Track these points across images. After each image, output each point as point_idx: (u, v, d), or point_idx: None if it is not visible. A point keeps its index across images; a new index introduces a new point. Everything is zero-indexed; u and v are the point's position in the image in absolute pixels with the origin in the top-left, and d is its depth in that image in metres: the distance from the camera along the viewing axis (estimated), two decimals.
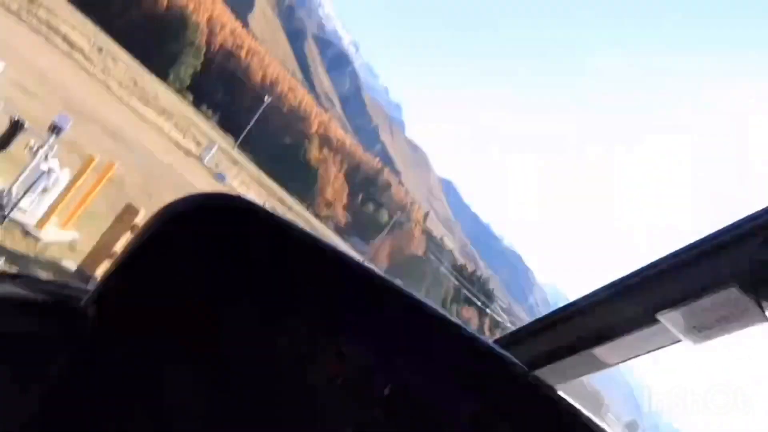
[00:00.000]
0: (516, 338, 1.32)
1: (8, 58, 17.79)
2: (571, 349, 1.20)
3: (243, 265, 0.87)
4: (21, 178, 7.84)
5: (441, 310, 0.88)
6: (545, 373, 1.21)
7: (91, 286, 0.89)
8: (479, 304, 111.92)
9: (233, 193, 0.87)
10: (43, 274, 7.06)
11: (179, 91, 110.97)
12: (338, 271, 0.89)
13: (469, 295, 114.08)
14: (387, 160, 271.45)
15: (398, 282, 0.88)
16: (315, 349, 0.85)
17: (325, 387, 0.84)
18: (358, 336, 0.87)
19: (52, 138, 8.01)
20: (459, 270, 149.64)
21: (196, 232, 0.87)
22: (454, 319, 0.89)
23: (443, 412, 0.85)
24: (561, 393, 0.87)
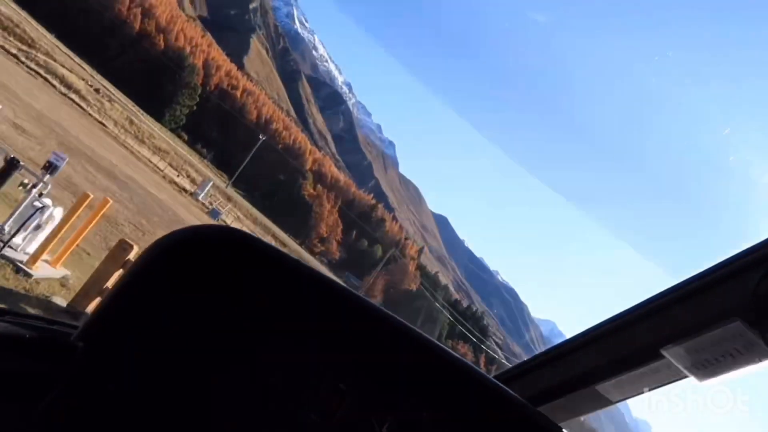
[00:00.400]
0: (518, 373, 1.29)
1: (6, 100, 18.09)
2: (574, 385, 1.17)
3: (237, 298, 0.85)
4: (14, 216, 7.92)
5: (442, 345, 0.87)
6: (548, 410, 1.18)
7: (79, 322, 0.89)
8: (474, 339, 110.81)
9: (225, 225, 0.86)
10: (33, 311, 7.09)
11: (175, 130, 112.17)
12: (338, 304, 0.87)
13: (464, 330, 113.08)
14: (381, 196, 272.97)
15: (398, 316, 0.87)
16: (313, 383, 0.83)
17: (321, 423, 0.82)
18: (357, 371, 0.85)
19: (47, 176, 8.13)
20: (453, 305, 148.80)
21: (188, 265, 0.85)
22: (455, 354, 0.87)
23: None
24: (565, 431, 0.86)
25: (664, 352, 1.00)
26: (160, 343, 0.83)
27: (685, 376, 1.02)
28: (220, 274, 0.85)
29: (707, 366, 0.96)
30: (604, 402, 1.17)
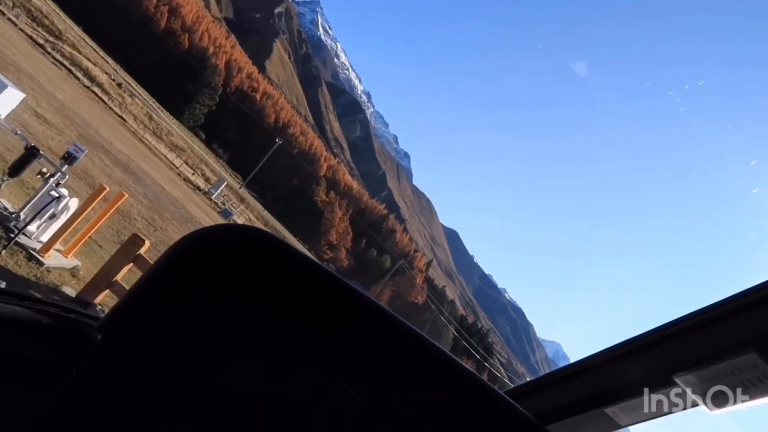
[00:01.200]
0: (527, 391, 1.29)
1: (30, 89, 18.37)
2: (583, 407, 1.17)
3: (257, 299, 0.86)
4: (31, 204, 8.01)
5: (454, 356, 0.87)
6: (555, 429, 1.19)
7: (91, 311, 0.90)
8: (478, 356, 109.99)
9: (251, 225, 0.89)
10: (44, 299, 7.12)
11: (193, 128, 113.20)
12: (356, 310, 0.87)
13: (468, 346, 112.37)
14: (393, 207, 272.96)
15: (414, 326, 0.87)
16: (322, 388, 0.84)
17: (329, 428, 0.82)
18: (367, 378, 0.85)
19: (65, 166, 8.21)
20: (459, 320, 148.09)
21: (210, 264, 0.86)
22: (467, 367, 0.87)
23: None
24: None
25: (676, 379, 0.99)
26: (177, 341, 0.84)
27: (696, 405, 1.01)
28: (243, 274, 0.86)
29: (719, 396, 0.95)
30: (613, 425, 1.16)
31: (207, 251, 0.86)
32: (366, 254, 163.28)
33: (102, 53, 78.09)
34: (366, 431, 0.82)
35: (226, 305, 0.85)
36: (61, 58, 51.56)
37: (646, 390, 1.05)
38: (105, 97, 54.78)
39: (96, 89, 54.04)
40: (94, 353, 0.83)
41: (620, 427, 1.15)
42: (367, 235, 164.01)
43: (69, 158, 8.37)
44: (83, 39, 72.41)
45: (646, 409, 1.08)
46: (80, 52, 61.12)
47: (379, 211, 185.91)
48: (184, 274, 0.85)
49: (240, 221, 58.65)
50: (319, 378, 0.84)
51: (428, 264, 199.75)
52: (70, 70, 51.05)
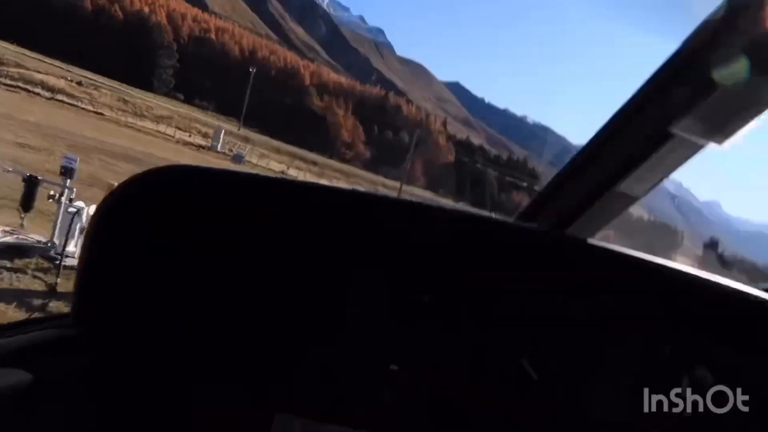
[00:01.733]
0: (538, 204, 1.25)
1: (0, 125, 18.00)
2: (595, 195, 1.13)
3: (206, 235, 0.79)
4: (57, 227, 8.06)
5: (429, 201, 0.90)
6: (578, 227, 1.16)
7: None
8: (525, 185, 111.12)
9: (167, 164, 0.81)
10: None
11: (168, 93, 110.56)
12: (313, 200, 0.82)
13: (513, 180, 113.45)
14: (388, 85, 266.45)
15: (386, 192, 0.92)
16: (333, 292, 0.79)
17: (367, 313, 0.78)
18: (371, 259, 0.81)
19: (68, 181, 8.14)
20: (494, 161, 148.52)
21: (140, 216, 0.79)
22: (446, 206, 0.84)
23: (489, 293, 0.80)
24: (594, 241, 0.83)
25: (675, 130, 0.96)
26: (148, 305, 0.79)
27: (703, 146, 0.98)
28: (175, 218, 0.79)
29: (720, 128, 0.92)
30: (629, 200, 1.14)
31: (126, 213, 0.79)
32: (383, 139, 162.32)
33: (48, 60, 75.32)
34: (397, 304, 0.79)
35: (180, 253, 0.79)
36: (11, 82, 50.03)
37: (649, 153, 1.02)
38: (73, 101, 53.52)
39: (61, 97, 52.71)
40: (76, 352, 0.79)
41: (639, 197, 1.13)
42: (375, 121, 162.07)
43: (67, 172, 8.28)
44: (23, 54, 69.71)
45: (656, 171, 1.06)
46: (27, 68, 59.13)
47: (377, 95, 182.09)
48: (121, 239, 0.79)
49: (254, 160, 58.59)
50: (323, 283, 0.79)
51: (444, 123, 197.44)
52: (26, 90, 49.66)
